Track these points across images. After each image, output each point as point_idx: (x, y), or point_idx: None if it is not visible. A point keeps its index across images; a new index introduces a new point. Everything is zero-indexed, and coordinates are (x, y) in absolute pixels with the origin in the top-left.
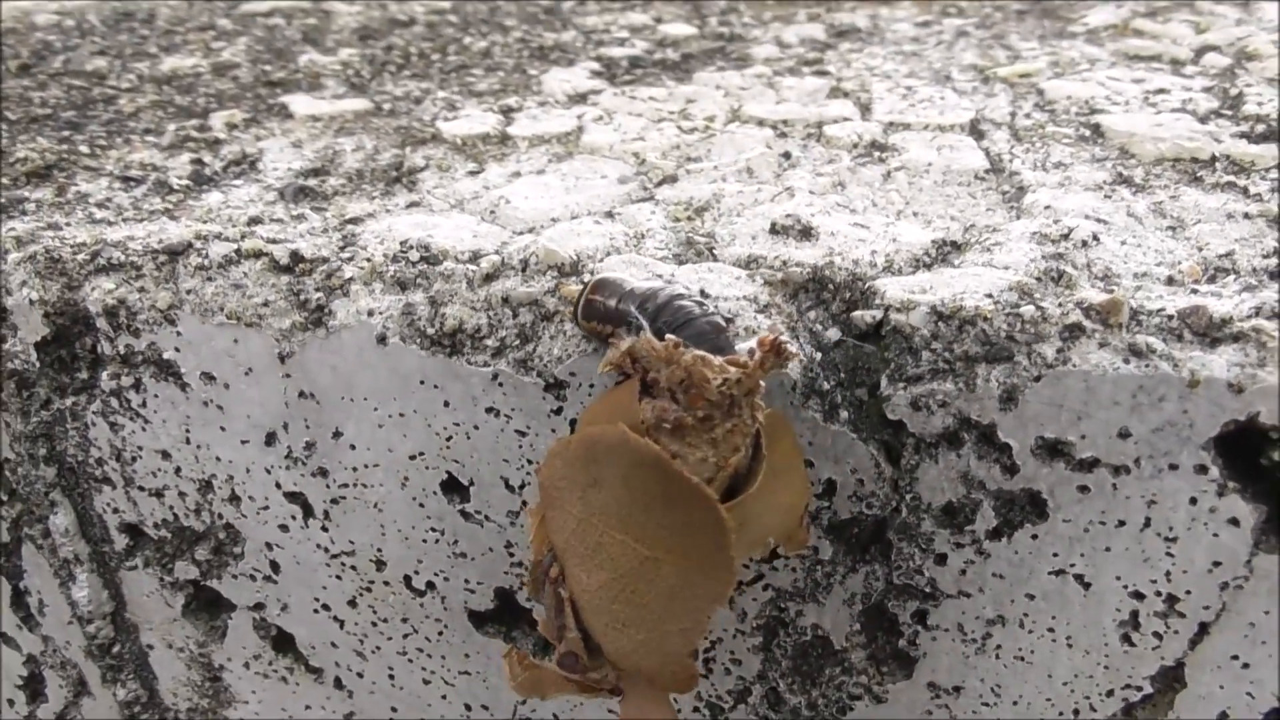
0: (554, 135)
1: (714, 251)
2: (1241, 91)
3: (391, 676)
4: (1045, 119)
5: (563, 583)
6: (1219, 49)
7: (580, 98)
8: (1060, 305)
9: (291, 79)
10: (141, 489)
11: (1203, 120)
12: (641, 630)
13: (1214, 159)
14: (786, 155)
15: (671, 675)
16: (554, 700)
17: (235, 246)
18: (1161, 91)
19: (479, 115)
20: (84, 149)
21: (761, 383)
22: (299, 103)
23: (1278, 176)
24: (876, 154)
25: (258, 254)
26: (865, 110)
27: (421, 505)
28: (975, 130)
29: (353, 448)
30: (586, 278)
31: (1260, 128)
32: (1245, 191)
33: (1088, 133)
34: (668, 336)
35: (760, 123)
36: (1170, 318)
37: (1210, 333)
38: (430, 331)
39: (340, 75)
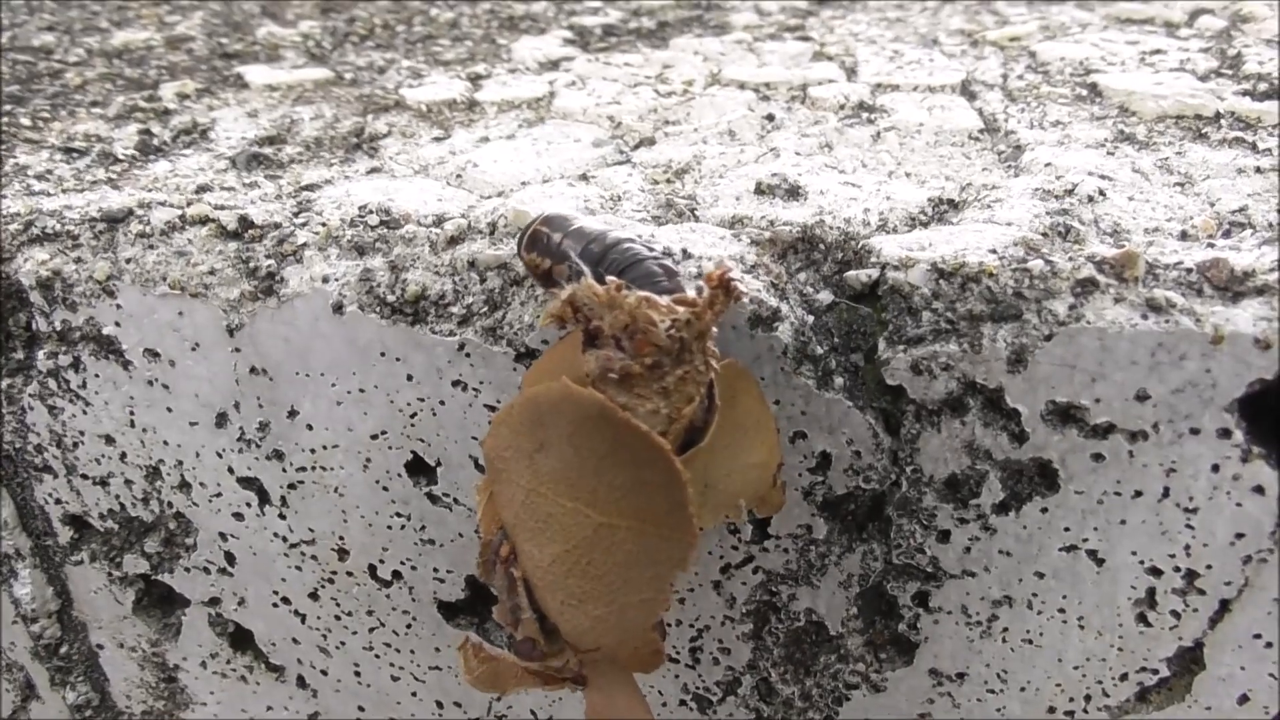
0: (524, 100)
1: (695, 213)
2: (1240, 52)
3: (357, 673)
4: (1039, 80)
5: (514, 561)
6: (1212, 12)
7: (552, 64)
8: (1071, 260)
9: (249, 51)
10: (85, 477)
11: (1203, 79)
12: (599, 604)
13: (1218, 115)
14: (770, 117)
15: (634, 652)
16: (527, 696)
17: (180, 213)
18: (1158, 52)
19: (445, 82)
20: (25, 121)
21: (714, 327)
22: (255, 73)
23: None
24: (865, 115)
25: (204, 220)
26: (851, 73)
27: (385, 488)
28: (967, 91)
29: (310, 428)
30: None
31: (1263, 86)
32: (1254, 147)
33: (1085, 92)
34: (609, 279)
35: (741, 86)
36: (1189, 271)
37: (1232, 286)
38: (391, 299)
39: (300, 47)
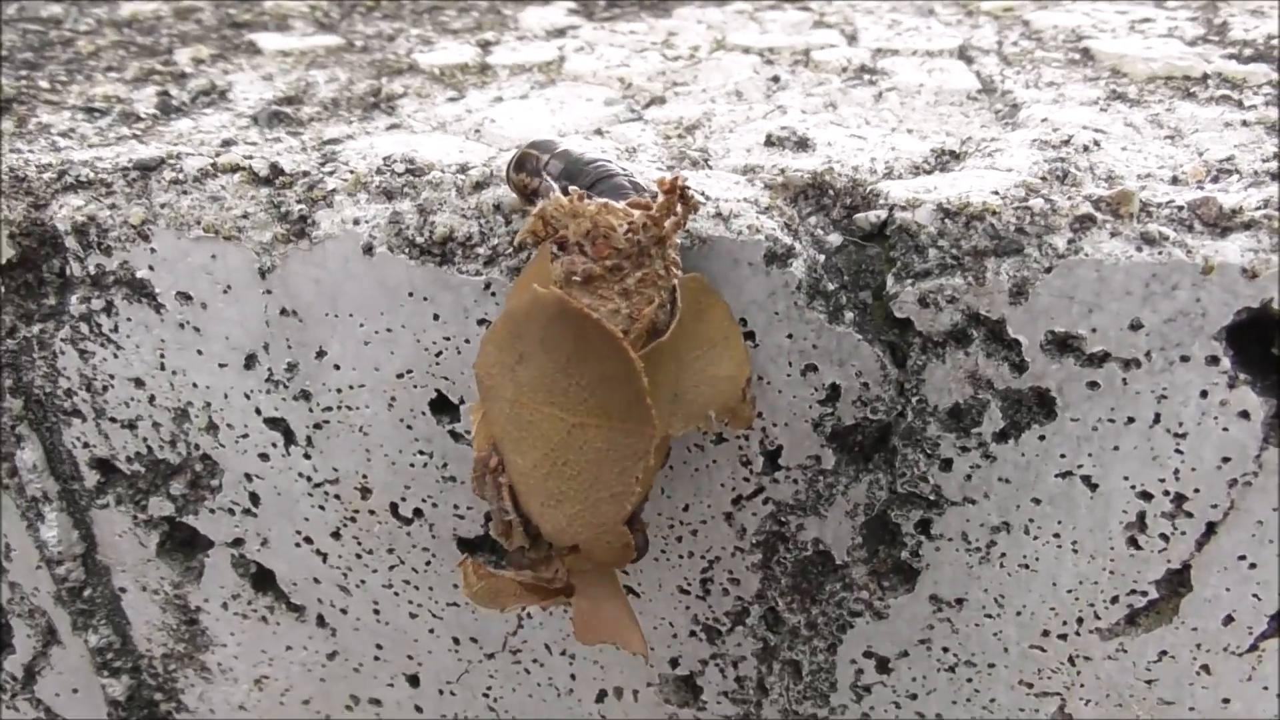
0: (535, 64)
1: (709, 163)
2: (1226, 20)
3: (376, 611)
4: (1033, 45)
5: (501, 471)
6: None
7: (559, 32)
8: (1069, 199)
9: (257, 20)
10: (113, 420)
11: (1191, 44)
12: (574, 502)
13: (1206, 76)
14: (775, 79)
15: (607, 546)
16: (541, 630)
17: (211, 161)
18: (1146, 20)
19: (456, 48)
20: (44, 84)
21: (675, 236)
22: (267, 40)
23: (1271, 91)
24: (866, 77)
25: (235, 168)
26: (851, 39)
27: (409, 427)
28: (964, 56)
29: (337, 368)
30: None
31: (1248, 51)
32: (1240, 104)
33: (1077, 56)
34: (572, 189)
35: (746, 50)
36: (1180, 209)
37: (1220, 222)
38: (419, 240)
39: (308, 17)
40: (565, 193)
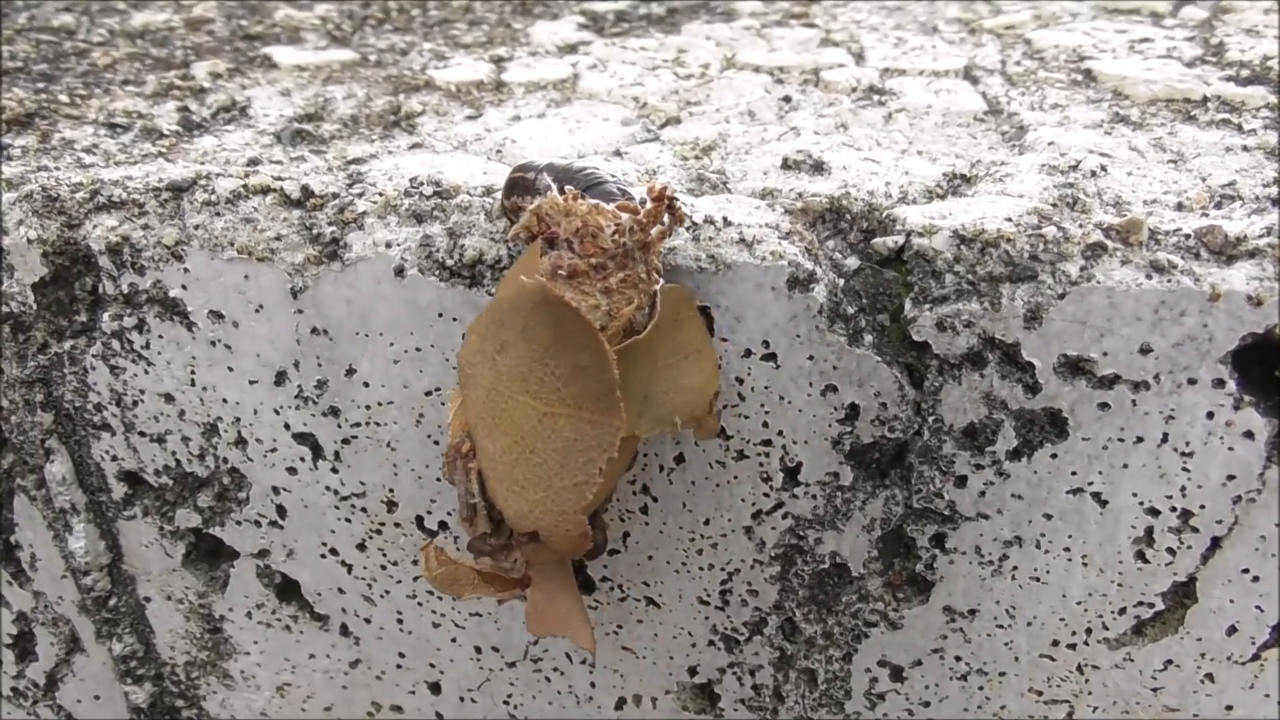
0: (550, 82)
1: (728, 186)
2: (1222, 40)
3: (400, 621)
4: (1036, 66)
5: (472, 457)
6: (1194, 2)
7: (570, 48)
8: (1080, 226)
9: (270, 33)
10: (142, 434)
11: (1189, 65)
12: (538, 489)
13: (1206, 99)
14: (787, 99)
15: (565, 534)
16: (561, 640)
17: (242, 183)
18: (1146, 40)
19: (470, 64)
20: (63, 98)
21: (661, 243)
22: (282, 54)
23: (1269, 115)
24: (876, 97)
25: (266, 189)
26: (859, 58)
27: (436, 443)
28: (969, 76)
29: (366, 385)
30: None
31: (1245, 72)
32: (1239, 128)
33: (1080, 77)
34: (568, 189)
35: (756, 69)
36: (1187, 236)
37: (1226, 250)
38: (449, 263)
39: (320, 29)
40: (562, 193)
